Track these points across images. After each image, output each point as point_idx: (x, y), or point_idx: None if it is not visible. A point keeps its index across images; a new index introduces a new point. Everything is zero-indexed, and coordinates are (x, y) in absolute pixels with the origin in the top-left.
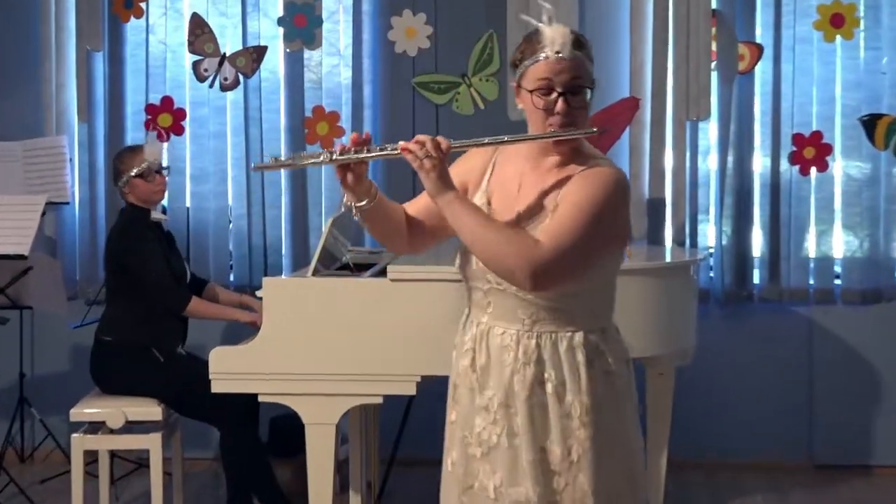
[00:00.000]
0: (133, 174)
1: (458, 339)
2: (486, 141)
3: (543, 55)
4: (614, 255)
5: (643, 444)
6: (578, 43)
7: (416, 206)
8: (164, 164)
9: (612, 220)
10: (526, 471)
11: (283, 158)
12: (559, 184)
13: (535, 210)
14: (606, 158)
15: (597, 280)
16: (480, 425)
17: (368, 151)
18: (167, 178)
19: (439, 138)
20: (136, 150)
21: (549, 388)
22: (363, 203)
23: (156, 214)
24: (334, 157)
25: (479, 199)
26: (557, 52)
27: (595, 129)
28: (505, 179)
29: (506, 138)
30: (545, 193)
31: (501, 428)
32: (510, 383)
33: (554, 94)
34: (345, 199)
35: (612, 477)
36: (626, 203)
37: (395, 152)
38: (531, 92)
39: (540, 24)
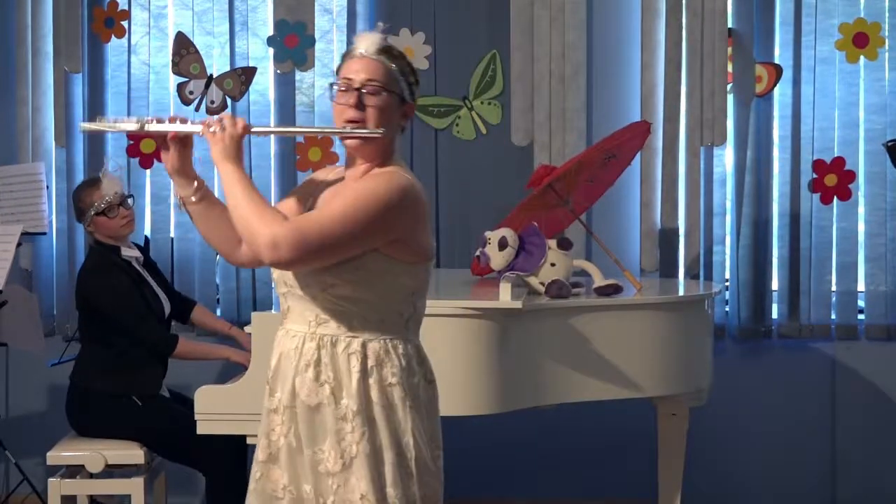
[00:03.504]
0: (93, 213)
1: None
2: (282, 129)
3: (350, 55)
4: (408, 268)
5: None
6: (387, 50)
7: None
8: (127, 192)
9: (385, 217)
10: (306, 471)
11: (103, 120)
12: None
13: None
14: (406, 170)
15: (381, 287)
16: (270, 427)
17: (180, 125)
18: (133, 208)
19: (239, 119)
20: (94, 184)
21: (327, 389)
22: (190, 195)
23: (127, 251)
24: (149, 125)
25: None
26: (361, 52)
27: (380, 131)
28: (330, 191)
29: (298, 129)
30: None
31: (287, 429)
32: (293, 385)
33: (350, 90)
34: (174, 191)
35: (385, 484)
36: (412, 212)
37: (198, 128)
38: (331, 86)
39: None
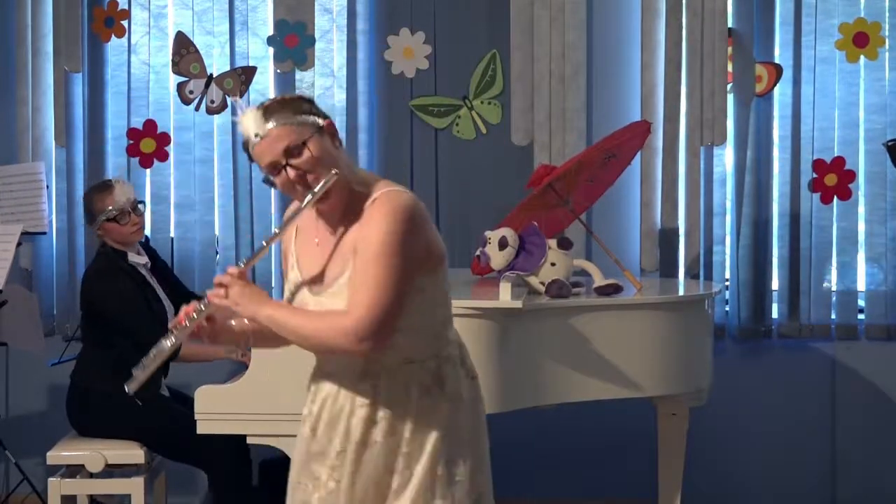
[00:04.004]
0: (104, 218)
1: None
2: (265, 243)
3: (250, 146)
4: (431, 277)
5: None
6: (268, 112)
7: None
8: (139, 198)
9: (411, 247)
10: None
11: (141, 369)
12: (349, 222)
13: (340, 258)
14: (387, 185)
15: (420, 305)
16: (319, 471)
17: (192, 317)
18: (145, 212)
19: (229, 268)
20: (106, 189)
21: (384, 424)
22: (245, 346)
23: (134, 257)
24: (175, 340)
25: (291, 264)
26: (256, 136)
27: (334, 172)
28: (307, 237)
29: (275, 231)
30: (341, 236)
31: (340, 473)
32: (347, 427)
33: (280, 172)
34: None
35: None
36: (423, 223)
37: (205, 307)
38: (271, 177)
39: (236, 118)
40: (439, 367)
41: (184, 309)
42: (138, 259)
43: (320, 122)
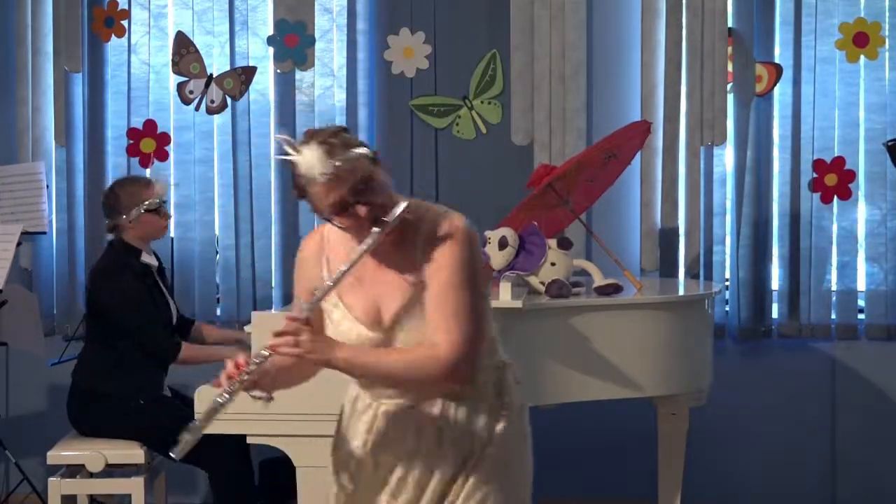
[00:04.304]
0: (145, 208)
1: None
2: (331, 283)
3: (311, 187)
4: (485, 291)
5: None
6: (332, 150)
7: None
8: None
9: (479, 268)
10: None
11: (190, 433)
12: (407, 251)
13: (395, 290)
14: (438, 209)
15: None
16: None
17: (248, 369)
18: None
19: (292, 315)
20: (145, 182)
21: (450, 451)
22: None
23: (146, 257)
24: (229, 396)
25: (334, 303)
26: (322, 175)
27: (402, 205)
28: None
29: (342, 269)
30: (401, 267)
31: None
32: (410, 458)
33: (350, 213)
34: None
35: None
36: (477, 244)
37: (268, 354)
38: (332, 218)
39: (292, 158)
40: (500, 378)
41: (233, 361)
42: (150, 260)
43: (368, 164)
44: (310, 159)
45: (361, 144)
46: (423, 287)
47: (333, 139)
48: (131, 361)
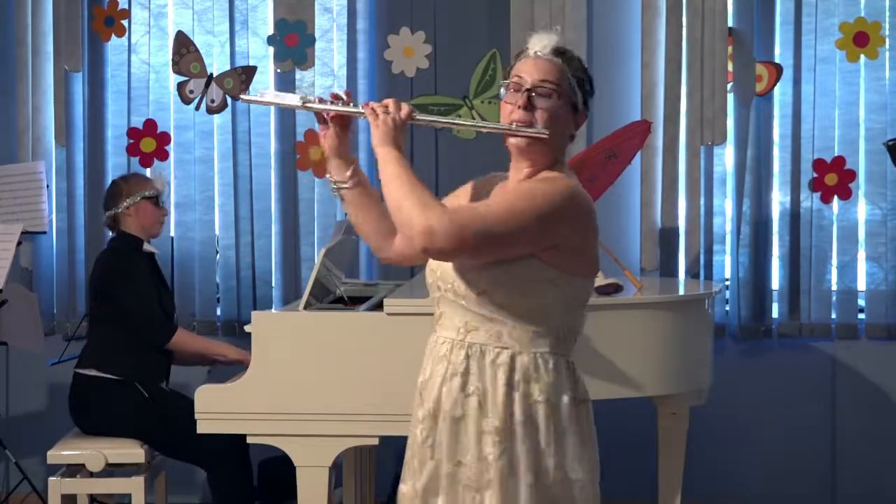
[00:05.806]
0: (142, 197)
1: None
2: (446, 121)
3: (524, 55)
4: (564, 277)
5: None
6: (562, 52)
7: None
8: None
9: (547, 219)
10: (442, 483)
11: (265, 94)
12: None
13: None
14: (574, 178)
15: (535, 297)
16: (416, 436)
17: (341, 104)
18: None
19: (404, 104)
20: (144, 177)
21: (474, 401)
22: (345, 181)
23: (148, 246)
24: (307, 103)
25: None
26: (536, 52)
27: (546, 132)
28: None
29: (461, 122)
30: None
31: (425, 437)
32: (439, 395)
33: (521, 91)
34: (328, 175)
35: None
36: (575, 220)
37: (360, 110)
38: (502, 85)
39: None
40: (531, 370)
41: (337, 93)
42: (151, 249)
43: (579, 105)
44: (544, 37)
45: (586, 99)
46: None
47: (576, 58)
48: (134, 344)
